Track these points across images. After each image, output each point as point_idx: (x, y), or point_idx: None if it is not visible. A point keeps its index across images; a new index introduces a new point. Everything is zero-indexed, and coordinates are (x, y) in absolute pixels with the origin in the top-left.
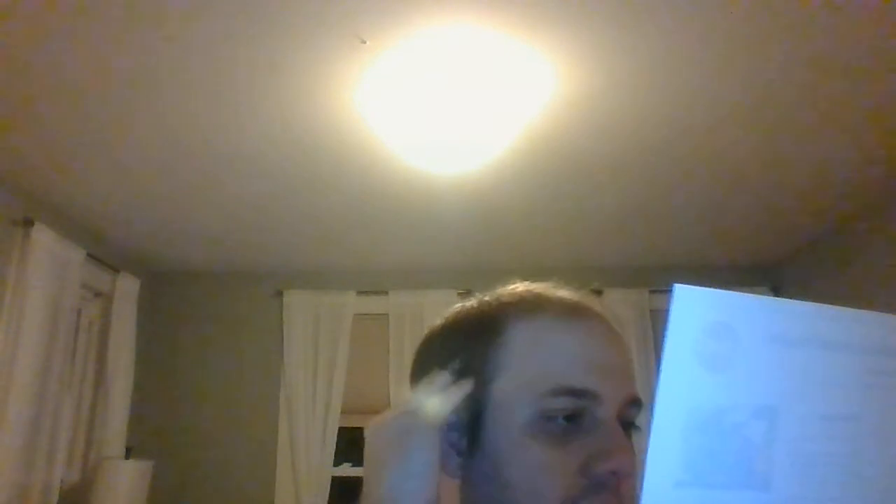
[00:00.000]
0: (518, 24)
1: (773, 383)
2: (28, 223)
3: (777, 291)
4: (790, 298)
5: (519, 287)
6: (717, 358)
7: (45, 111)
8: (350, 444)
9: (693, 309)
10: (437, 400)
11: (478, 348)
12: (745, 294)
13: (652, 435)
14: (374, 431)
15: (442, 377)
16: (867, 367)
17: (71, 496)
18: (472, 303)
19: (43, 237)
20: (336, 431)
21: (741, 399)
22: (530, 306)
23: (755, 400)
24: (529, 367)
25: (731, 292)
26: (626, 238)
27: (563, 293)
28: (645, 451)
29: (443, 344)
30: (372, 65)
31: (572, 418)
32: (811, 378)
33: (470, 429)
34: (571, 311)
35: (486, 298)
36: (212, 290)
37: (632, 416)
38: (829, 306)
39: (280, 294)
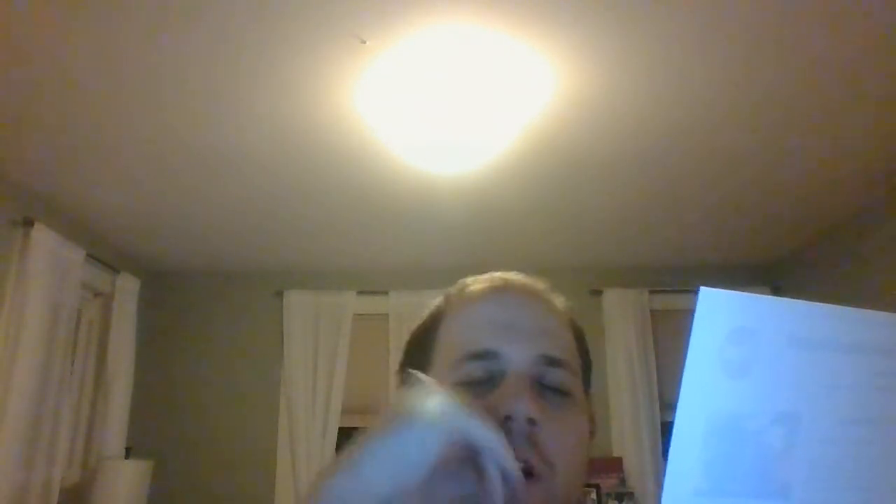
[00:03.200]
0: (518, 24)
1: (794, 388)
2: (28, 223)
3: (777, 291)
4: (789, 298)
5: (459, 281)
6: (739, 363)
7: (45, 112)
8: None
9: (718, 313)
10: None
11: (422, 356)
12: (767, 297)
13: (673, 442)
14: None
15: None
16: (887, 370)
17: (71, 496)
18: (428, 307)
19: (43, 237)
20: (336, 431)
21: (761, 405)
22: (457, 298)
23: (775, 405)
24: (448, 344)
25: (755, 295)
26: (626, 238)
27: (491, 276)
28: (665, 459)
29: (411, 348)
30: (372, 65)
31: (485, 382)
32: (832, 382)
33: None
34: (487, 290)
35: (434, 303)
36: (212, 290)
37: (545, 375)
38: (847, 308)
39: (280, 294)
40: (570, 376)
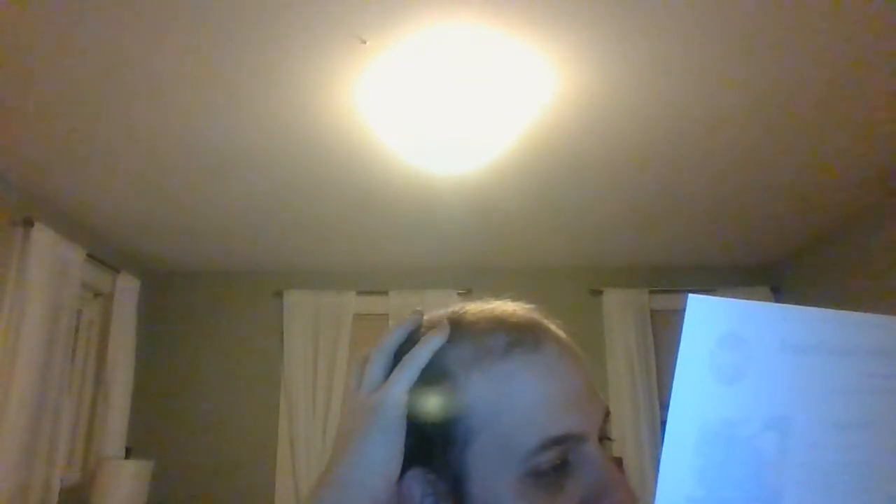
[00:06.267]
0: (518, 23)
1: (785, 393)
2: (28, 223)
3: (777, 291)
4: (790, 298)
5: (458, 323)
6: (730, 369)
7: (45, 111)
8: None
9: (707, 319)
10: (403, 377)
11: (438, 413)
12: (757, 302)
13: (664, 450)
14: (347, 408)
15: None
16: (878, 372)
17: (71, 496)
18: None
19: (43, 237)
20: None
21: (753, 411)
22: (479, 350)
23: (767, 411)
24: (504, 424)
25: (743, 301)
26: (626, 238)
27: (507, 318)
28: (656, 468)
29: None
30: (372, 65)
31: (559, 466)
32: (822, 386)
33: (453, 498)
34: (525, 345)
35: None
36: (212, 290)
37: (607, 431)
38: (838, 311)
39: (280, 294)
40: None
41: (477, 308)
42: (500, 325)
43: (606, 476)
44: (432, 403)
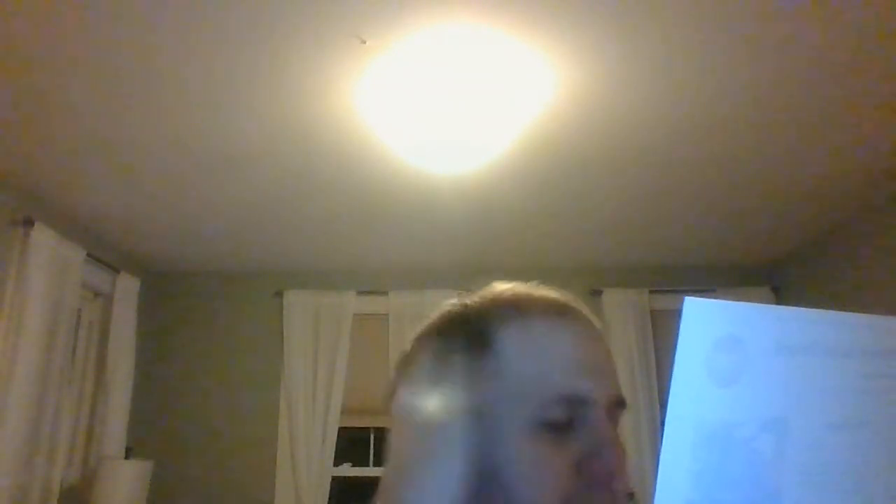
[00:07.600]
0: (518, 23)
1: (782, 394)
2: (28, 223)
3: (777, 291)
4: (791, 298)
5: (503, 289)
6: (726, 371)
7: (45, 111)
8: (350, 444)
9: (704, 322)
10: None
11: (468, 359)
12: (753, 304)
13: (662, 453)
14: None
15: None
16: (875, 373)
17: (71, 496)
18: (456, 307)
19: (43, 237)
20: (336, 431)
21: (750, 412)
22: (517, 309)
23: (765, 412)
24: (523, 373)
25: (739, 303)
26: (626, 238)
27: (549, 293)
28: (655, 469)
29: (434, 354)
30: (372, 65)
31: (565, 423)
32: (819, 386)
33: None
34: (559, 313)
35: (470, 302)
36: (212, 290)
37: (617, 417)
38: (834, 312)
39: (280, 294)
40: None
41: (522, 286)
42: (543, 297)
43: (604, 439)
44: (466, 344)
